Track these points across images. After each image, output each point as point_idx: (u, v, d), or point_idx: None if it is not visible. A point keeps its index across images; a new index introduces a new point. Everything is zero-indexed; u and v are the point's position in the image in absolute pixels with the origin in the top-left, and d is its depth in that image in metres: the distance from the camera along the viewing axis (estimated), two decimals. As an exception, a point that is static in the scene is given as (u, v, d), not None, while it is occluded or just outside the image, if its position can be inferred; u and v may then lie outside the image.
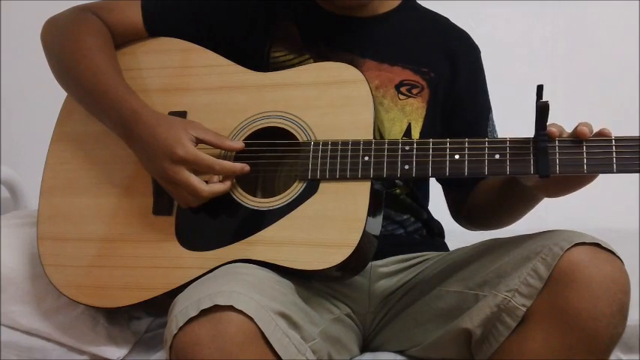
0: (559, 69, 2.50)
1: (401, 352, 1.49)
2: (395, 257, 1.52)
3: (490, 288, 1.29)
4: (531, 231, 1.33)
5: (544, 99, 1.22)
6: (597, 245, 1.20)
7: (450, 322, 1.35)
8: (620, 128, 2.42)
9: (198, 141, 1.37)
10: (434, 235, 1.62)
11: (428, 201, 1.65)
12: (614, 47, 2.47)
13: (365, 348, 1.53)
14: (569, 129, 1.25)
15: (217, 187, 1.36)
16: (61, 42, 1.51)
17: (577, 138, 1.24)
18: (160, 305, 1.38)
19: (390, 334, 1.50)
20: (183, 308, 1.13)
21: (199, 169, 1.35)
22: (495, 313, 1.26)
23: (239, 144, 1.39)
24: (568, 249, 1.19)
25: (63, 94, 1.56)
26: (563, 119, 1.25)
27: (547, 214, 2.38)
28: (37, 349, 1.52)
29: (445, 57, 1.55)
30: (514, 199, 1.48)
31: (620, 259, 1.21)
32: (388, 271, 1.51)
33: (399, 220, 1.54)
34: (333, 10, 1.54)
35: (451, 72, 1.55)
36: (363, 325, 1.51)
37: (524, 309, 1.23)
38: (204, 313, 1.11)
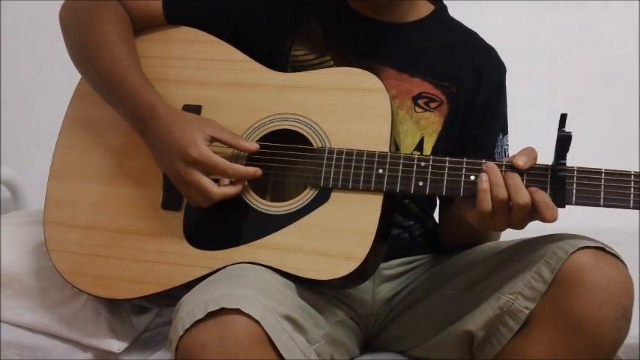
0: (559, 69, 2.50)
1: (402, 353, 1.49)
2: (399, 260, 1.52)
3: (493, 290, 1.30)
4: (534, 232, 1.33)
5: (567, 129, 1.21)
6: (601, 249, 1.21)
7: (452, 324, 1.36)
8: (620, 128, 2.45)
9: (213, 139, 1.35)
10: (438, 240, 1.60)
11: (434, 209, 1.63)
12: (614, 47, 2.47)
13: (366, 348, 1.53)
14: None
15: (228, 189, 1.35)
16: (79, 25, 1.49)
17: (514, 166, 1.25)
18: (165, 296, 1.39)
19: (392, 335, 1.50)
20: (190, 310, 1.13)
21: (212, 172, 1.33)
22: (498, 316, 1.27)
23: (254, 145, 1.37)
24: (572, 253, 1.20)
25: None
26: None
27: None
28: (38, 348, 1.53)
29: (471, 73, 1.51)
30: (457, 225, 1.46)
31: (624, 263, 1.21)
32: (392, 274, 1.51)
33: (406, 226, 1.54)
34: (362, 11, 1.51)
35: (475, 89, 1.51)
36: (366, 326, 1.51)
37: (527, 312, 1.24)
38: (210, 315, 1.11)
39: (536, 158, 1.26)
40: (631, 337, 1.25)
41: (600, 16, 2.48)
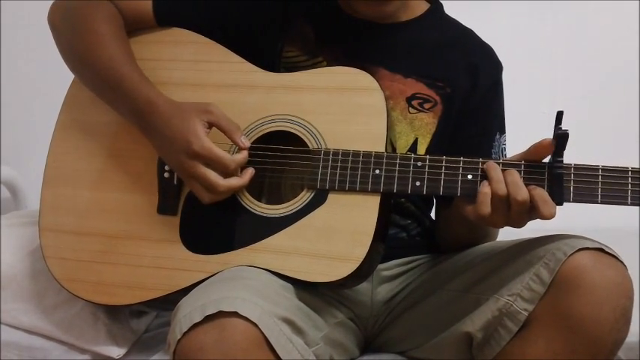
0: (559, 69, 2.49)
1: (402, 353, 1.49)
2: (397, 260, 1.52)
3: (492, 292, 1.29)
4: (533, 232, 1.33)
5: (564, 127, 1.20)
6: (601, 250, 1.20)
7: (451, 325, 1.36)
8: (620, 128, 2.45)
9: (210, 125, 1.34)
10: (438, 241, 1.59)
11: (431, 209, 1.62)
12: (614, 47, 2.47)
13: (366, 348, 1.53)
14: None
15: (234, 181, 1.33)
16: (72, 26, 1.47)
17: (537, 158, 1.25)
18: (162, 301, 1.39)
19: (391, 335, 1.50)
20: (187, 313, 1.13)
21: (214, 165, 1.32)
22: (497, 317, 1.27)
23: (246, 143, 1.35)
24: (571, 254, 1.20)
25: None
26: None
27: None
28: (38, 348, 1.52)
29: (466, 72, 1.50)
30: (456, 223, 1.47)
31: (624, 264, 1.21)
32: (391, 275, 1.51)
33: (403, 225, 1.54)
34: (354, 14, 1.50)
35: (470, 87, 1.50)
36: (365, 327, 1.51)
37: (526, 313, 1.24)
38: (208, 318, 1.11)
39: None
40: (631, 335, 1.25)
41: (600, 16, 2.48)
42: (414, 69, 1.48)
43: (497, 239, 1.51)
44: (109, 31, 1.45)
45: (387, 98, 1.38)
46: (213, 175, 1.31)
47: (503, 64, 1.56)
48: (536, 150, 1.25)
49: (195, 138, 1.31)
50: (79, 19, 1.47)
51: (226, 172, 1.33)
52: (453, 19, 1.59)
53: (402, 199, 1.52)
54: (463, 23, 1.59)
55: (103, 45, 1.43)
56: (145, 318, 1.60)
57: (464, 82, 1.50)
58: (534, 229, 1.34)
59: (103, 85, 1.44)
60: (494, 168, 1.25)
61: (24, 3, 2.39)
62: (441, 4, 1.59)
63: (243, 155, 1.35)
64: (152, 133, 1.38)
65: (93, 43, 1.43)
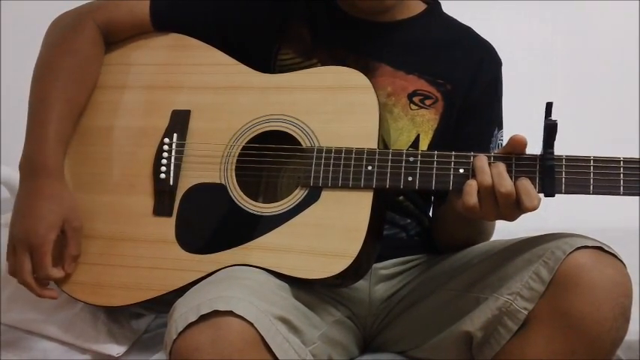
0: (559, 69, 2.50)
1: (402, 353, 1.49)
2: (395, 259, 1.52)
3: (491, 291, 1.29)
4: (532, 231, 1.32)
5: (553, 117, 1.20)
6: (600, 249, 1.20)
7: (450, 324, 1.35)
8: (620, 128, 2.45)
9: (62, 231, 1.39)
10: (434, 239, 1.59)
11: (430, 207, 1.62)
12: (614, 47, 2.47)
13: (365, 348, 1.53)
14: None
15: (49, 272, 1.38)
16: (46, 48, 1.51)
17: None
18: (160, 302, 1.38)
19: (391, 335, 1.50)
20: (183, 313, 1.13)
21: (34, 259, 1.37)
22: (497, 316, 1.27)
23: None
24: (570, 252, 1.19)
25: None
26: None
27: (547, 214, 2.38)
28: (37, 349, 1.52)
29: (467, 68, 1.51)
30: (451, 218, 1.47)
31: (623, 263, 1.21)
32: (388, 274, 1.51)
33: (402, 224, 1.54)
34: (353, 13, 1.50)
35: (470, 84, 1.51)
36: (364, 326, 1.51)
37: (526, 312, 1.23)
38: (203, 318, 1.11)
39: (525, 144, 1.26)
40: (631, 334, 1.25)
41: (600, 16, 2.48)
42: (415, 66, 1.49)
43: (497, 239, 1.50)
44: (69, 67, 1.48)
45: (389, 95, 1.41)
46: (27, 274, 1.37)
47: (502, 63, 1.57)
48: (512, 145, 1.25)
49: (44, 230, 1.36)
50: (53, 44, 1.51)
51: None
52: (452, 18, 1.60)
53: (401, 198, 1.52)
54: (464, 22, 1.60)
55: (52, 82, 1.47)
56: (144, 318, 1.60)
57: (464, 78, 1.51)
58: (533, 228, 1.34)
59: (30, 113, 1.49)
60: (480, 160, 1.26)
61: (24, 3, 2.40)
62: (439, 4, 1.60)
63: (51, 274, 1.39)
64: (25, 189, 1.44)
65: (47, 75, 1.48)
